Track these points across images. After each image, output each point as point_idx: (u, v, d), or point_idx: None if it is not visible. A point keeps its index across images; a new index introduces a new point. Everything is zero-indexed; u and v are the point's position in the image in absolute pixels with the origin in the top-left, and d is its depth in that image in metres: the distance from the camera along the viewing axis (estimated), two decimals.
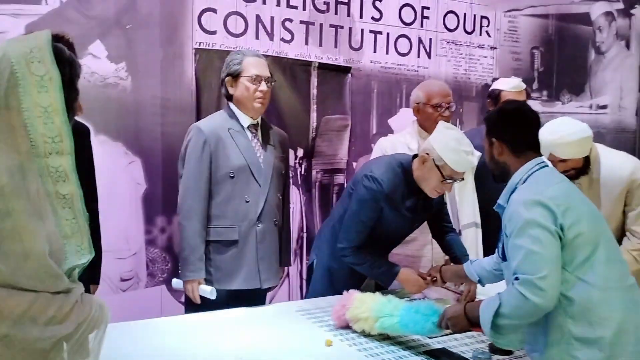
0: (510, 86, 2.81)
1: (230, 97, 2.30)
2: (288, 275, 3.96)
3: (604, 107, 5.30)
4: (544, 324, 1.51)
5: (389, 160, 2.24)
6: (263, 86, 2.24)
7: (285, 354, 1.69)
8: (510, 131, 1.65)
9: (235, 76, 2.25)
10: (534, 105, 4.91)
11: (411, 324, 1.69)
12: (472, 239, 2.68)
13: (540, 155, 1.68)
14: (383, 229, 2.21)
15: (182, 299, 2.44)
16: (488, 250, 2.59)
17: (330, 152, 4.07)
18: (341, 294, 2.33)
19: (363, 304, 1.77)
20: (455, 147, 2.06)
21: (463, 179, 2.17)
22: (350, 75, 4.08)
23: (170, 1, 3.40)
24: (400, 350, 1.73)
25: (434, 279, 2.16)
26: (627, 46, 5.40)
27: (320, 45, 3.98)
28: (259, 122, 2.33)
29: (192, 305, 2.22)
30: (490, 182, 2.83)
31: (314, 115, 3.97)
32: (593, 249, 1.48)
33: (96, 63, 3.27)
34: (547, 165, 1.66)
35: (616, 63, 5.35)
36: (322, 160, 4.05)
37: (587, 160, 2.38)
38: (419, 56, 4.39)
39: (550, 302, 1.44)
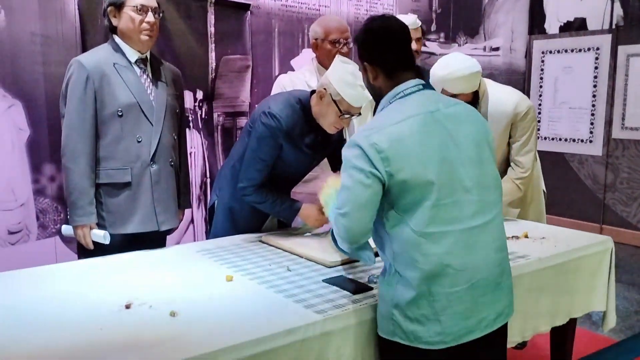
0: (407, 23, 2.82)
1: (114, 29, 2.13)
2: (193, 221, 3.90)
3: (497, 49, 5.54)
4: (382, 252, 1.53)
5: (287, 96, 2.20)
6: (150, 17, 2.09)
7: (181, 290, 1.66)
8: (379, 51, 1.49)
9: (119, 6, 2.08)
10: (432, 46, 5.04)
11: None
12: None
13: (414, 73, 1.52)
14: (283, 166, 2.19)
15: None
16: None
17: (232, 95, 3.96)
18: (244, 232, 2.34)
19: (325, 192, 1.97)
20: (351, 81, 2.06)
21: (360, 113, 2.18)
22: (249, 12, 3.94)
23: None
24: (301, 281, 1.75)
25: None
26: None
27: None
28: (148, 57, 2.18)
29: (85, 252, 2.11)
30: None
31: (212, 55, 3.82)
32: (423, 194, 1.40)
33: None
34: (419, 90, 1.50)
35: (508, 6, 5.57)
36: (223, 103, 3.94)
37: (476, 94, 2.48)
38: None
39: (351, 238, 1.48)
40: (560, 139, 5.55)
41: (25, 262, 2.27)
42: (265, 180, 2.18)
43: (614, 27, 5.12)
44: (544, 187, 2.84)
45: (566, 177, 5.51)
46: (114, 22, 2.11)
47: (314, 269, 1.89)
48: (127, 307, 1.54)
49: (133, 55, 2.13)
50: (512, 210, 2.73)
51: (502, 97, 2.50)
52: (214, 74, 3.84)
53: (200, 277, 1.79)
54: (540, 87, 5.69)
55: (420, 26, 2.89)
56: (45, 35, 3.18)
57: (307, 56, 4.14)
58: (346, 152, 1.47)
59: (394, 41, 1.51)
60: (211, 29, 3.78)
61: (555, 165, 5.58)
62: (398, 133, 1.42)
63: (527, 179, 2.55)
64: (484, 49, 5.43)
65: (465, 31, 5.27)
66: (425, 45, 4.95)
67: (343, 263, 1.92)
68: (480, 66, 2.45)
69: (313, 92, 2.20)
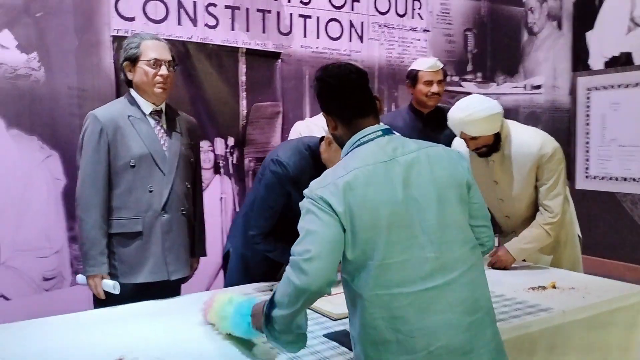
0: (427, 66, 2.79)
1: (130, 83, 2.20)
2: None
3: (538, 87, 5.39)
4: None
5: (296, 143, 2.19)
6: (163, 70, 2.15)
7: (173, 344, 1.62)
8: (333, 101, 1.43)
9: (134, 60, 2.15)
10: (469, 86, 4.96)
11: (235, 327, 1.54)
12: None
13: (374, 122, 1.43)
14: (292, 214, 2.16)
15: None
16: None
17: (263, 140, 4.00)
18: (257, 281, 2.30)
19: (213, 308, 1.65)
20: None
21: None
22: (280, 60, 4.01)
23: None
24: None
25: None
26: (559, 26, 5.49)
27: (248, 30, 3.90)
28: (163, 109, 2.23)
29: (100, 302, 2.13)
30: None
31: (243, 103, 3.89)
32: (368, 253, 1.30)
33: (5, 53, 3.11)
34: (377, 137, 1.39)
35: (548, 43, 5.44)
36: (254, 149, 3.98)
37: (497, 137, 2.38)
38: (350, 40, 4.35)
39: (310, 285, 1.25)
40: (610, 178, 5.27)
41: (60, 308, 2.31)
42: (275, 228, 2.15)
43: None
44: (579, 232, 2.68)
45: (618, 218, 5.20)
46: (129, 76, 2.18)
47: (318, 321, 1.82)
48: None
49: (147, 107, 2.19)
50: (544, 257, 2.58)
51: (526, 139, 2.40)
52: (245, 121, 3.90)
53: (199, 330, 1.75)
54: (587, 124, 5.47)
55: (442, 68, 2.84)
56: (81, 89, 3.33)
57: None
58: (306, 200, 1.37)
59: (347, 90, 1.42)
60: (242, 78, 3.86)
61: (606, 205, 5.28)
62: (348, 184, 1.31)
63: (556, 224, 2.41)
64: (525, 87, 5.30)
65: (504, 70, 5.17)
66: (461, 85, 4.88)
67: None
68: (502, 107, 2.37)
69: (322, 137, 2.18)
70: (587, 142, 5.47)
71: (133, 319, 1.88)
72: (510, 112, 5.17)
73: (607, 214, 5.28)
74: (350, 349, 1.57)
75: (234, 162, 3.91)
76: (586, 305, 1.93)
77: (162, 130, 2.20)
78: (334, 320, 1.83)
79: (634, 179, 5.10)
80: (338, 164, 1.42)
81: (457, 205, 1.38)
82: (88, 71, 3.33)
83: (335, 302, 1.92)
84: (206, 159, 3.74)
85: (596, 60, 5.41)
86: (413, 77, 2.83)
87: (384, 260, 1.30)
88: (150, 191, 2.13)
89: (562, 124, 5.56)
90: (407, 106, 2.99)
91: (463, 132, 2.35)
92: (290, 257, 1.30)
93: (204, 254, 2.44)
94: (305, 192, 1.37)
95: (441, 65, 2.82)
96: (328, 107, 1.46)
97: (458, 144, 2.52)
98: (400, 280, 1.30)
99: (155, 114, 2.20)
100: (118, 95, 3.39)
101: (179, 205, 2.19)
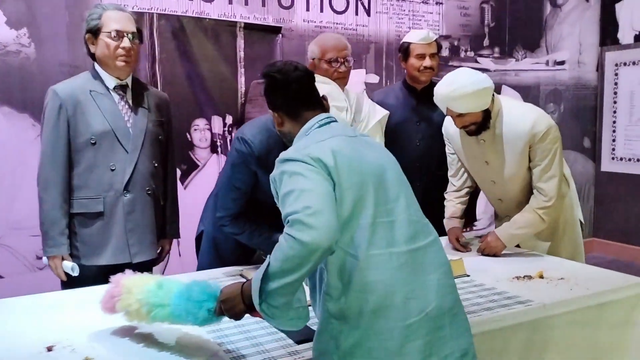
0: (418, 38, 2.60)
1: (93, 57, 2.10)
2: None
3: (562, 62, 5.09)
4: (314, 300, 1.34)
5: (265, 120, 2.05)
6: (126, 42, 2.04)
7: (107, 332, 1.54)
8: (277, 94, 1.45)
9: (95, 32, 2.05)
10: (485, 62, 4.71)
11: (184, 314, 1.37)
12: None
13: (322, 111, 1.45)
14: (263, 195, 2.04)
15: None
16: None
17: None
18: (229, 265, 2.20)
19: (130, 295, 1.46)
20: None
21: None
22: (280, 36, 3.86)
23: None
24: (250, 325, 1.58)
25: None
26: None
27: (246, 4, 3.76)
28: (129, 83, 2.14)
29: (66, 283, 2.08)
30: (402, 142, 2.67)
31: (242, 80, 3.77)
32: (360, 211, 1.27)
33: None
34: (331, 122, 1.42)
35: (574, 16, 5.11)
36: None
37: (488, 114, 2.20)
38: (357, 14, 4.17)
39: (322, 240, 1.15)
40: (638, 160, 4.96)
41: (53, 286, 2.27)
42: (244, 209, 2.04)
43: None
44: (580, 217, 2.47)
45: None
46: (92, 48, 2.09)
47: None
48: (49, 349, 1.45)
49: (111, 81, 2.09)
50: (541, 243, 2.39)
51: (518, 116, 2.20)
52: (243, 99, 3.78)
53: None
54: (615, 102, 5.15)
55: (436, 40, 2.65)
56: (74, 65, 3.27)
57: None
58: (286, 167, 1.29)
59: (292, 83, 1.44)
60: (241, 54, 3.74)
61: (633, 189, 4.99)
62: (330, 146, 1.31)
63: (551, 208, 2.22)
64: (547, 63, 5.01)
65: (524, 45, 4.88)
66: (477, 61, 4.64)
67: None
68: (492, 81, 2.18)
69: None
70: (614, 122, 5.15)
71: (81, 304, 1.79)
72: (530, 90, 4.91)
73: (632, 198, 4.98)
74: (295, 342, 1.46)
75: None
76: (571, 298, 1.76)
77: (127, 106, 2.11)
78: None
79: None
80: (303, 140, 1.39)
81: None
82: (80, 47, 3.25)
83: None
84: (203, 138, 3.65)
85: (626, 34, 5.06)
86: (405, 50, 2.64)
87: (375, 219, 1.28)
88: (112, 170, 2.04)
89: (587, 102, 5.25)
90: (400, 82, 2.81)
91: (449, 108, 2.17)
92: (289, 218, 1.19)
93: (177, 236, 2.35)
94: (284, 157, 1.32)
95: (434, 37, 2.63)
96: (275, 102, 1.47)
97: (450, 121, 2.34)
98: (392, 240, 1.29)
99: (120, 88, 2.10)
100: None
101: (144, 185, 2.10)
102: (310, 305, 1.34)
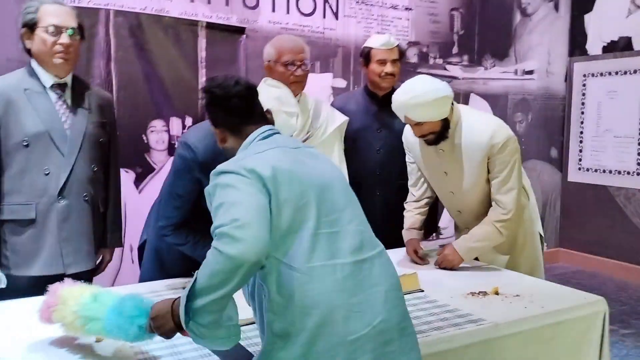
0: (379, 43, 2.52)
1: (30, 52, 1.97)
2: None
3: (531, 72, 5.08)
4: (256, 317, 1.27)
5: None
6: (64, 38, 1.92)
7: (32, 351, 1.42)
8: (218, 110, 1.42)
9: (31, 27, 1.92)
10: (454, 70, 4.67)
11: (115, 330, 1.29)
12: None
13: (263, 123, 1.41)
14: (205, 203, 1.93)
15: None
16: None
17: None
18: (173, 277, 2.08)
19: (65, 306, 1.38)
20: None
21: None
22: (244, 36, 3.75)
23: None
24: (185, 345, 1.47)
25: None
26: (556, 8, 5.16)
27: (209, 3, 3.64)
28: (69, 82, 2.00)
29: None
30: (361, 151, 2.59)
31: (203, 81, 3.64)
32: (301, 222, 1.23)
33: None
34: (274, 133, 1.39)
35: (544, 26, 5.11)
36: None
37: (446, 123, 2.13)
38: (324, 16, 4.08)
39: (249, 254, 1.10)
40: (604, 171, 4.97)
41: None
42: (187, 218, 1.92)
43: None
44: (540, 230, 2.41)
45: (611, 213, 4.91)
46: (28, 44, 1.96)
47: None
48: None
49: (48, 80, 1.96)
50: (500, 257, 2.33)
51: (477, 127, 2.13)
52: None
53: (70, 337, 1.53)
54: (582, 113, 5.16)
55: (398, 46, 2.57)
56: (22, 61, 3.10)
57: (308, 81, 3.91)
58: (218, 179, 1.24)
59: (232, 98, 1.40)
60: (202, 54, 3.62)
61: (598, 200, 5.00)
62: (267, 157, 1.28)
63: (510, 221, 2.15)
64: (516, 72, 4.99)
65: (493, 53, 4.86)
66: (445, 69, 4.60)
67: (248, 323, 1.62)
68: (452, 90, 2.11)
69: None
70: (582, 132, 5.17)
71: (8, 318, 1.67)
72: (498, 99, 4.88)
73: (598, 209, 4.99)
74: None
75: None
76: (525, 317, 1.69)
77: (65, 106, 1.98)
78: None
79: (628, 172, 4.80)
80: (242, 153, 1.36)
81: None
82: None
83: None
84: (160, 140, 3.51)
85: (594, 45, 5.08)
86: (366, 55, 2.56)
87: (317, 230, 1.24)
88: (47, 174, 1.91)
89: (555, 112, 5.26)
90: (362, 88, 2.73)
91: (407, 116, 2.09)
92: (216, 231, 1.15)
93: (120, 245, 2.23)
94: (218, 170, 1.27)
95: (396, 43, 2.55)
96: (216, 118, 1.44)
97: (410, 130, 2.27)
98: (337, 251, 1.24)
99: (58, 87, 1.97)
100: None
101: (81, 190, 1.97)
102: (242, 325, 1.27)
